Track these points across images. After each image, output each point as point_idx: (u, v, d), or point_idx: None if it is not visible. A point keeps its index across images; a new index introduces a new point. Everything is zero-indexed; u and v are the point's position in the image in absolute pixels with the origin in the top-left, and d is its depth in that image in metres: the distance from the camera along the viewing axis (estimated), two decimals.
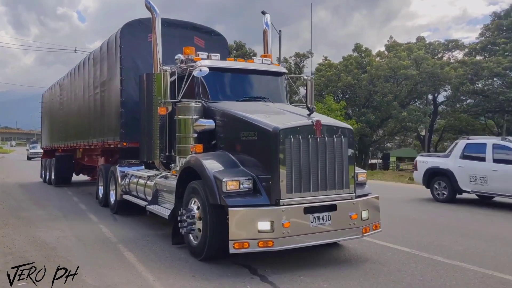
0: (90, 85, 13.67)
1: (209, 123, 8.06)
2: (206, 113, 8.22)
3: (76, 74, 15.47)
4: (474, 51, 45.48)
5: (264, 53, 10.12)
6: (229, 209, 6.56)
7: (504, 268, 7.03)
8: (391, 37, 49.44)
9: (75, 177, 20.12)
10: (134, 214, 11.10)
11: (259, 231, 6.50)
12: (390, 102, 44.92)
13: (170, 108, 8.37)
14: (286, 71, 9.41)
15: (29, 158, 53.95)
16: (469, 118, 47.54)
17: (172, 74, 8.82)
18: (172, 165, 9.07)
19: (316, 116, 7.33)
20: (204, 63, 8.39)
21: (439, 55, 48.46)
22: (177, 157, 8.77)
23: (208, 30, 11.99)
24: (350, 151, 7.39)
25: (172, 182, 8.69)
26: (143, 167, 11.22)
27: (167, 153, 9.12)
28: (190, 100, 8.24)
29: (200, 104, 8.22)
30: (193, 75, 8.27)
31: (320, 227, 6.89)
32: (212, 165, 7.27)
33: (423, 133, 53.33)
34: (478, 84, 44.42)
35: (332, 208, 7.04)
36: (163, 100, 8.30)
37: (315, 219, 6.87)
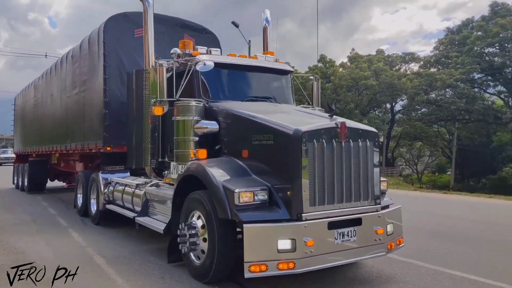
0: (68, 85, 11.79)
1: (212, 125, 6.57)
2: (208, 114, 6.74)
3: (53, 74, 13.48)
4: (429, 63, 45.70)
5: (264, 51, 8.67)
6: (244, 225, 5.17)
7: None
8: (353, 49, 49.05)
9: (49, 183, 17.93)
10: (119, 225, 9.44)
11: (279, 251, 5.15)
12: (352, 111, 44.44)
13: (166, 108, 6.82)
14: (293, 70, 8.03)
15: None
16: (423, 126, 47.57)
17: (167, 71, 7.27)
18: (166, 172, 7.53)
19: (339, 118, 5.97)
20: (203, 58, 6.90)
21: (397, 67, 48.55)
22: (172, 164, 7.27)
23: (198, 28, 10.44)
24: (376, 157, 6.09)
25: (166, 191, 7.19)
26: (128, 174, 9.59)
27: (159, 159, 7.57)
28: (190, 99, 6.73)
29: (202, 103, 6.72)
30: (192, 71, 6.83)
31: (344, 245, 5.59)
32: (219, 173, 5.83)
33: (381, 139, 53.18)
34: (431, 95, 44.53)
35: (357, 222, 5.74)
36: (159, 99, 6.73)
37: (339, 235, 5.56)
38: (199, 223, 5.97)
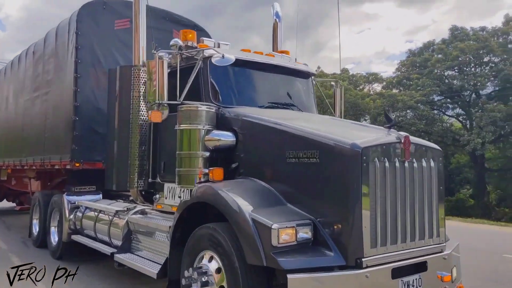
0: (26, 87, 9.76)
1: (227, 137, 5.03)
2: (220, 122, 5.19)
3: (8, 74, 11.32)
4: (391, 84, 45.90)
5: (273, 51, 7.21)
6: (288, 276, 3.72)
7: None
8: (318, 67, 48.47)
9: None
10: (88, 260, 7.59)
11: None
12: None
13: (165, 114, 5.21)
14: (315, 73, 6.64)
15: None
16: None
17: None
18: (157, 196, 5.90)
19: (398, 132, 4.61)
20: (210, 52, 5.38)
21: (361, 87, 48.54)
22: (166, 186, 5.74)
23: (190, 24, 8.82)
24: (441, 182, 4.77)
25: (159, 221, 5.59)
26: (101, 196, 7.81)
27: (149, 180, 5.92)
28: (199, 103, 5.18)
29: (213, 109, 5.17)
30: (199, 67, 5.28)
31: None
32: (244, 200, 4.32)
33: None
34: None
35: (422, 267, 4.42)
36: (158, 101, 5.09)
37: (404, 285, 4.20)
38: (213, 266, 4.41)
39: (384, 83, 47.08)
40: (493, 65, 38.83)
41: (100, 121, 7.38)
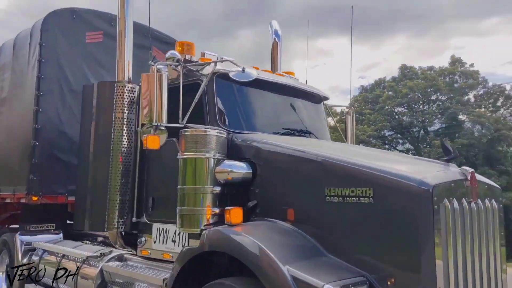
0: None
1: (240, 169, 4.00)
2: (230, 150, 4.16)
3: None
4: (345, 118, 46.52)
5: (273, 72, 6.33)
6: None
7: None
8: None
9: None
10: None
11: None
12: None
13: (164, 139, 4.10)
14: (328, 97, 5.80)
15: None
16: None
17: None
18: (142, 239, 4.72)
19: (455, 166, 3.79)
20: (223, 66, 4.41)
21: None
22: (155, 227, 4.55)
23: (171, 41, 7.80)
24: (502, 227, 3.98)
25: (149, 272, 4.40)
26: (61, 236, 6.46)
27: (133, 219, 4.74)
28: (207, 126, 4.15)
29: (224, 134, 4.13)
30: (204, 85, 4.27)
31: None
32: (276, 250, 3.29)
33: None
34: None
35: None
36: (155, 123, 3.98)
37: None
38: None
39: (338, 117, 47.77)
40: (440, 103, 40.18)
41: (65, 146, 6.30)
